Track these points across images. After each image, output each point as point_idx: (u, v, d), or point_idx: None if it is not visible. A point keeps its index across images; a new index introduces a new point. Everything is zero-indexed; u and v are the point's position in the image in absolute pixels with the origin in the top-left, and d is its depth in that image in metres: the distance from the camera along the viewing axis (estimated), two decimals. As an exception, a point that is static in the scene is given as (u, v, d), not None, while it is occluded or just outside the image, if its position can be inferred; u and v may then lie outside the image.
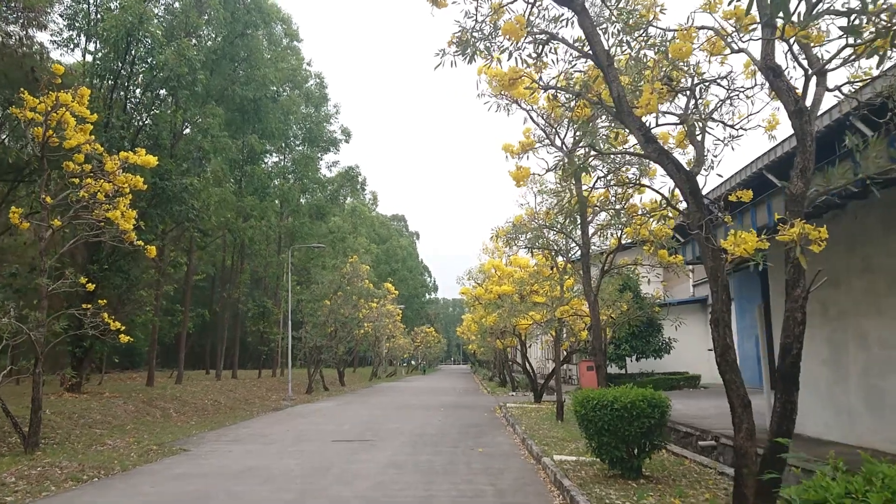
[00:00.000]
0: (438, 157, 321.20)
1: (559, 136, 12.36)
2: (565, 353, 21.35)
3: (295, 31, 38.40)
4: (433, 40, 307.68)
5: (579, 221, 12.49)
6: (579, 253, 15.05)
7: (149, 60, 20.04)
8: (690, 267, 35.48)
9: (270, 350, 40.15)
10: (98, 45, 21.79)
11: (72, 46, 24.04)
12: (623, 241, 12.72)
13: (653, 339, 29.62)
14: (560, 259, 17.56)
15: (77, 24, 23.37)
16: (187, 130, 25.81)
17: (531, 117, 12.17)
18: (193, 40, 21.74)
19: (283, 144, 40.32)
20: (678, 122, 7.30)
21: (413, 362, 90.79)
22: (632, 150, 7.68)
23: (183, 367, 30.08)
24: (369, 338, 48.15)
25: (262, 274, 41.03)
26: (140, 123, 21.01)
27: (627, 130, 7.56)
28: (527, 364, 26.27)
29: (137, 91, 21.52)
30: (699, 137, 6.70)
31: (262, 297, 38.88)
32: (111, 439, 14.89)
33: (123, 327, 13.55)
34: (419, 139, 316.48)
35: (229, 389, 28.61)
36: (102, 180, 14.00)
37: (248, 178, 34.61)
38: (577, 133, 7.17)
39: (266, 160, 39.34)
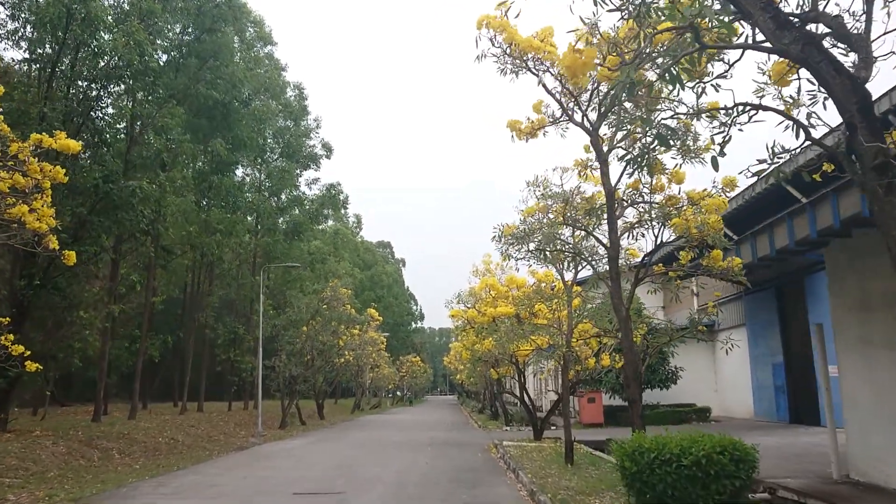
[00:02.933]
0: (431, 178, 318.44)
1: (580, 110, 9.89)
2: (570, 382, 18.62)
3: (268, 34, 35.98)
4: (426, 44, 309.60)
5: (605, 216, 9.97)
6: (595, 260, 12.56)
7: (92, 44, 17.46)
8: (696, 290, 33.08)
9: (242, 380, 37.02)
10: (34, 29, 19.17)
11: (16, 39, 21.53)
12: (665, 241, 10.18)
13: (659, 369, 27.21)
14: (568, 277, 15.04)
15: (23, 15, 20.88)
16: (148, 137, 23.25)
17: (545, 86, 9.71)
18: (151, 28, 19.27)
19: (260, 160, 37.69)
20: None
21: (399, 393, 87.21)
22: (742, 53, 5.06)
23: (138, 399, 26.97)
24: (351, 367, 45.08)
25: (234, 297, 38.01)
26: (82, 120, 18.28)
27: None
28: (525, 396, 23.53)
29: (82, 83, 18.87)
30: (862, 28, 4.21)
31: (233, 322, 35.88)
32: (19, 492, 11.97)
33: (29, 352, 10.72)
34: (409, 156, 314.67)
35: (191, 425, 25.57)
36: (17, 172, 11.41)
37: (216, 190, 31.74)
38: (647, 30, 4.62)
39: (237, 172, 36.55)
